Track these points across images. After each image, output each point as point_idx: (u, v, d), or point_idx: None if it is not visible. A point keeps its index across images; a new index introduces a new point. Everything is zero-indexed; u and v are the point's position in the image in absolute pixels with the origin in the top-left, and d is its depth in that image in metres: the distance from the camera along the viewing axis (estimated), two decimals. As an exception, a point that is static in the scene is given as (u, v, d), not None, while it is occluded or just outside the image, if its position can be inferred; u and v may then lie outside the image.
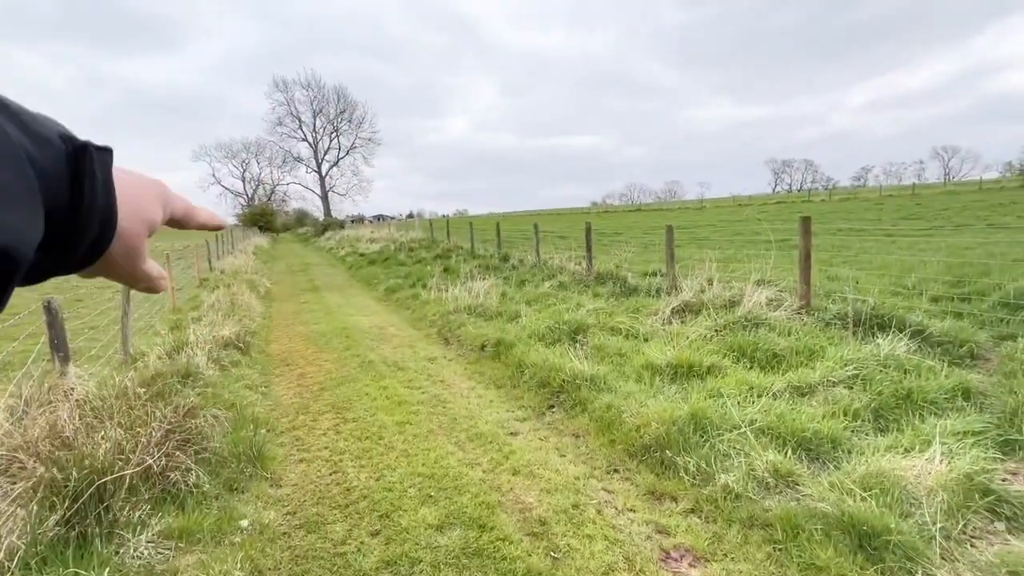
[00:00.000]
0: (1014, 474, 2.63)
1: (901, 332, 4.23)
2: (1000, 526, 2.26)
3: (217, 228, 0.47)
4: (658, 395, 3.72)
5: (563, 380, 4.15)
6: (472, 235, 15.12)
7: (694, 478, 2.81)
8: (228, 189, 62.59)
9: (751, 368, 4.13)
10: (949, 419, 3.02)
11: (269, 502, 2.91)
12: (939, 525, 2.20)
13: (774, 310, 5.23)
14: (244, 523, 2.69)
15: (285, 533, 2.63)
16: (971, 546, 2.17)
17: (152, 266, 0.41)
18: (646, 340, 5.07)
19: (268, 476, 3.16)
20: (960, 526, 2.24)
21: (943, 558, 2.09)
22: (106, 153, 0.33)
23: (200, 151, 61.41)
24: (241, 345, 5.81)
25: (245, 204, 60.17)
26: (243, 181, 63.50)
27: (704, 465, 2.84)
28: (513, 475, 3.06)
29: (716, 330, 4.96)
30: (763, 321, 5.00)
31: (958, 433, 2.84)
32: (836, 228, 15.92)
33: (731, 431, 3.04)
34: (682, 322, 5.43)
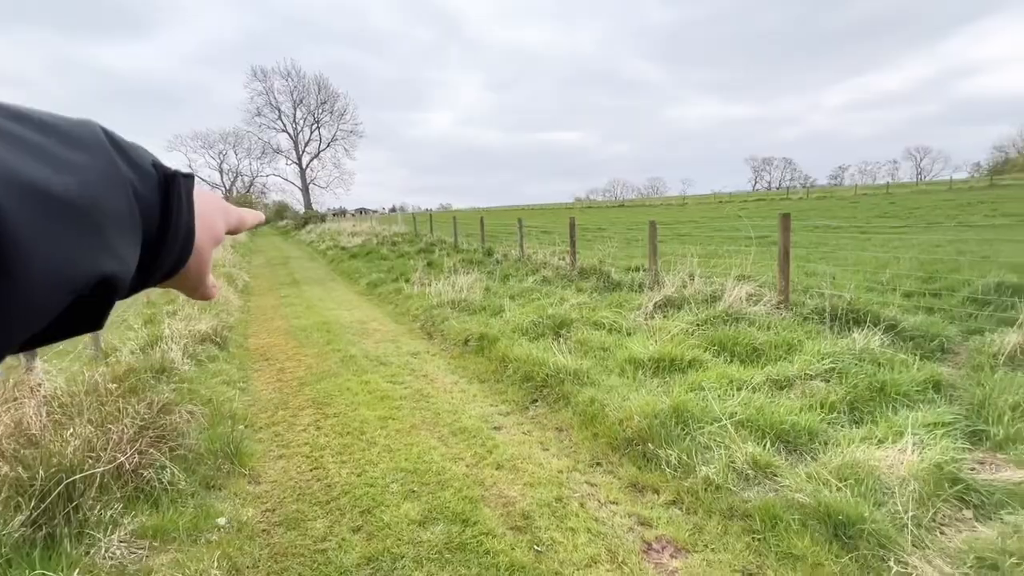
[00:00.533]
0: (981, 463, 2.72)
1: (875, 327, 4.34)
2: (968, 514, 2.34)
3: (260, 224, 0.51)
4: (640, 389, 3.74)
5: (547, 374, 4.15)
6: (456, 229, 15.03)
7: (675, 470, 2.84)
8: (205, 180, 60.92)
9: (731, 362, 4.19)
10: (920, 411, 3.11)
11: (248, 499, 2.86)
12: (911, 513, 2.26)
13: (754, 305, 5.32)
14: (221, 521, 2.63)
15: (264, 530, 2.59)
16: (940, 533, 2.23)
17: (211, 276, 0.44)
18: (629, 334, 5.11)
19: (246, 473, 3.10)
20: (930, 514, 2.30)
21: (914, 545, 2.15)
22: (190, 179, 0.36)
23: (175, 141, 59.55)
24: (218, 340, 5.68)
25: (223, 196, 58.67)
26: (220, 172, 61.97)
27: (685, 457, 2.88)
28: (496, 469, 3.05)
29: (697, 324, 5.02)
30: (743, 316, 5.08)
31: (929, 424, 2.92)
32: (813, 225, 16.26)
33: (712, 424, 3.08)
34: (664, 317, 5.48)
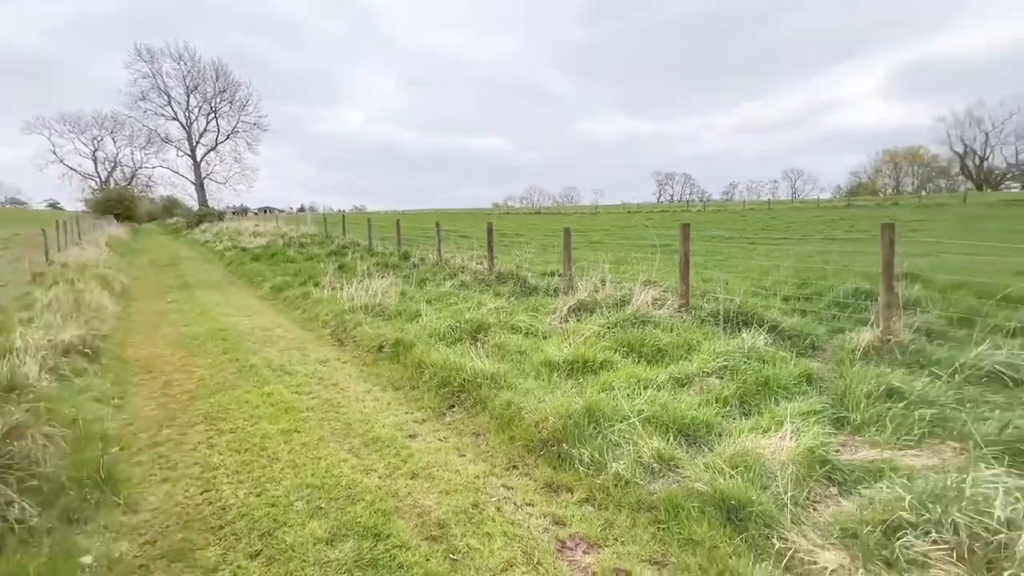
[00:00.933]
0: (844, 445, 3.11)
1: (760, 327, 4.82)
2: (834, 490, 2.66)
3: None
4: (555, 390, 3.83)
5: (464, 379, 4.12)
6: (370, 231, 14.50)
7: (588, 468, 2.93)
8: (74, 169, 53.25)
9: (639, 362, 4.44)
10: (797, 401, 3.49)
11: (121, 532, 2.51)
12: (790, 494, 2.52)
13: (659, 309, 5.68)
14: (87, 559, 2.28)
15: (142, 566, 2.28)
16: (813, 509, 2.52)
17: None
18: (545, 338, 5.22)
19: (120, 501, 2.72)
20: (805, 493, 2.59)
21: (792, 522, 2.40)
22: None
23: (36, 122, 51.33)
24: (88, 351, 4.97)
25: (97, 188, 51.74)
26: (95, 161, 54.54)
27: (597, 455, 2.98)
28: (411, 479, 2.96)
29: (608, 327, 5.26)
30: (649, 319, 5.40)
31: (803, 413, 3.29)
32: (710, 235, 17.81)
33: (621, 422, 3.22)
34: (578, 320, 5.68)
